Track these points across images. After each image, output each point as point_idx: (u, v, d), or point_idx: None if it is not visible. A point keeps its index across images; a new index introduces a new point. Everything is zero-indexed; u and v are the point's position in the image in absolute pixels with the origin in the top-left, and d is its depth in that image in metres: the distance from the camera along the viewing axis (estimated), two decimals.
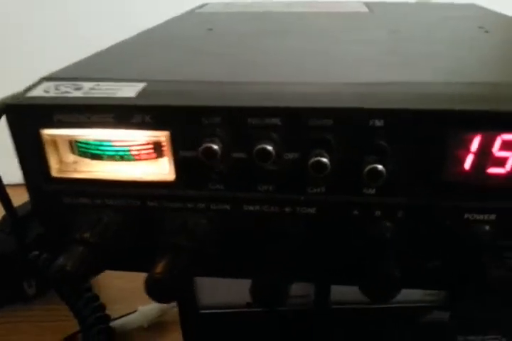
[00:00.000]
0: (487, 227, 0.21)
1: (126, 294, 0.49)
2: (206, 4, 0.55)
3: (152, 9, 0.68)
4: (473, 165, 0.20)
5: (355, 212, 0.21)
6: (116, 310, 0.45)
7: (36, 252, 0.36)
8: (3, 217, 0.47)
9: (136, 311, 0.46)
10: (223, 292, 0.33)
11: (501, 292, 0.19)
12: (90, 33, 0.67)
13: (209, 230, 0.22)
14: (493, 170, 0.20)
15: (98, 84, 0.23)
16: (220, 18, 0.43)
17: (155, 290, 0.20)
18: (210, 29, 0.36)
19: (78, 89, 0.22)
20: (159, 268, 0.20)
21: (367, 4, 0.51)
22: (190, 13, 0.47)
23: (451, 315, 0.33)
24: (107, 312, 0.44)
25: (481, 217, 0.21)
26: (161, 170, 0.22)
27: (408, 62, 0.26)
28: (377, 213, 0.21)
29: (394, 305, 0.32)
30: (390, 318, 0.33)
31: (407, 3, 0.56)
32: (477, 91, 0.21)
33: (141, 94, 0.21)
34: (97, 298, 0.44)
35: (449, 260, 0.22)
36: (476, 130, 0.20)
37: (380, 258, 0.21)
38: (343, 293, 0.32)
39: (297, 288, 0.33)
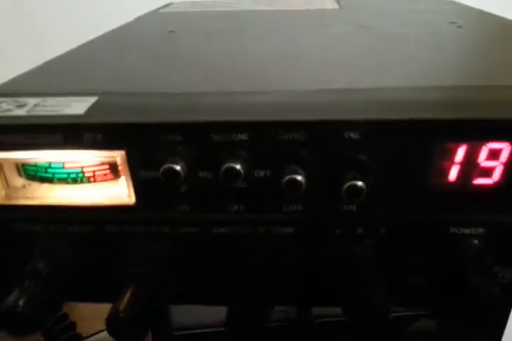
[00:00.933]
0: (475, 241, 0.19)
1: (99, 310, 0.47)
2: (171, 4, 0.53)
3: None
4: (459, 176, 0.19)
5: (336, 231, 0.20)
6: (88, 326, 0.43)
7: None
8: None
9: None
10: (197, 312, 0.31)
11: (492, 308, 0.18)
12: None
13: (175, 256, 0.20)
14: (479, 180, 0.19)
15: (44, 100, 0.20)
16: (183, 18, 0.40)
17: (118, 330, 0.18)
18: (172, 31, 0.34)
19: (21, 106, 0.20)
20: (123, 305, 0.18)
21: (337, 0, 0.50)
22: (154, 13, 0.44)
23: (438, 323, 0.32)
24: (79, 329, 0.42)
25: (467, 230, 0.19)
26: (120, 192, 0.20)
27: (377, 64, 0.24)
28: (359, 230, 0.20)
29: None
30: (375, 329, 0.32)
31: None
32: (456, 96, 0.19)
33: (91, 110, 0.19)
34: (66, 316, 0.41)
35: (436, 276, 0.20)
36: (460, 140, 0.18)
37: (365, 280, 0.19)
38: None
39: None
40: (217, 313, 0.28)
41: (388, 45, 0.29)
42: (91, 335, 0.45)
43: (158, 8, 0.47)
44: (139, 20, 0.40)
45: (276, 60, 0.26)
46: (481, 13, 0.41)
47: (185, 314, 0.32)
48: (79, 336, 0.42)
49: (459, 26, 0.34)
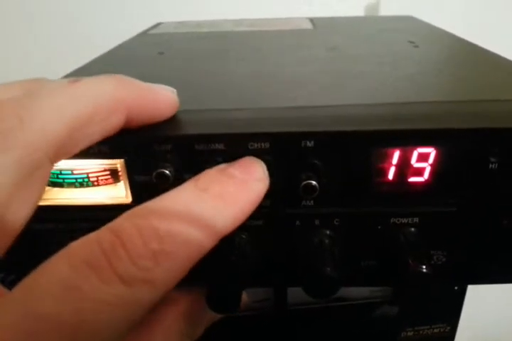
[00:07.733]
0: (412, 229, 0.24)
1: None
2: (160, 24, 0.57)
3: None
4: (396, 175, 0.23)
5: (297, 222, 0.24)
6: None
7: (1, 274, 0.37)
8: None
9: None
10: None
11: (421, 286, 0.22)
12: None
13: None
14: (413, 179, 0.23)
15: None
16: (171, 40, 0.45)
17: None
18: (161, 53, 0.38)
19: None
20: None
21: (312, 20, 0.54)
22: (143, 34, 0.49)
23: (400, 308, 0.36)
24: None
25: (405, 220, 0.24)
26: (119, 194, 0.24)
27: (338, 83, 0.28)
28: (317, 222, 0.24)
29: (346, 303, 0.35)
30: (343, 315, 0.36)
31: (351, 18, 0.60)
32: (394, 111, 0.24)
33: None
34: None
35: (383, 259, 0.25)
36: (395, 146, 0.23)
37: (320, 261, 0.23)
38: (300, 295, 0.35)
39: (256, 293, 0.36)
40: None
41: (350, 65, 0.33)
42: None
43: (148, 29, 0.52)
44: (127, 43, 0.44)
45: (251, 80, 0.30)
46: (437, 31, 0.46)
47: None
48: None
49: (416, 46, 0.39)
